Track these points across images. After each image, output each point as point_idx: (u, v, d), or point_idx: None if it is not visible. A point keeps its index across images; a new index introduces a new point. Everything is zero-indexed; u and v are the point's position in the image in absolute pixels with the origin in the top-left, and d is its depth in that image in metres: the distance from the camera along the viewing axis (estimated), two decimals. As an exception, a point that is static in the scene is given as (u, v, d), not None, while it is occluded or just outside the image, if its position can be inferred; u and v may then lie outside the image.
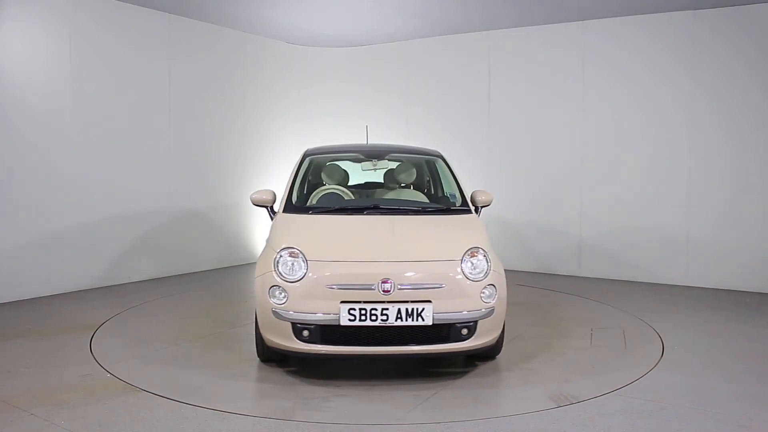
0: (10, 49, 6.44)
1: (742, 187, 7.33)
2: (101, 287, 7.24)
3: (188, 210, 8.26)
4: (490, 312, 4.24)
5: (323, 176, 5.81)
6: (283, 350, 4.26)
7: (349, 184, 6.02)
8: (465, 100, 9.02)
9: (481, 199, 5.21)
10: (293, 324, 4.12)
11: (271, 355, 4.52)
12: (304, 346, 4.14)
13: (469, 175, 8.48)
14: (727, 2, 7.15)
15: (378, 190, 5.93)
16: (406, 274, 4.13)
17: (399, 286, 4.07)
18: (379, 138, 8.67)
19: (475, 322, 4.20)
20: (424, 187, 5.98)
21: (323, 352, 4.14)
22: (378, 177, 6.16)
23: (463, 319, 4.16)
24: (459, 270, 4.23)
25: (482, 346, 4.31)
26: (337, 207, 5.04)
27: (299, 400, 3.97)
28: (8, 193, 6.45)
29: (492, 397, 4.12)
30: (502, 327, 4.46)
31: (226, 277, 8.22)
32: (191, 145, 8.29)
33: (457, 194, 5.29)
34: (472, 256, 4.31)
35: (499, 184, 8.69)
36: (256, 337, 4.56)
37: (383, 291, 4.05)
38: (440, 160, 5.72)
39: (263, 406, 3.93)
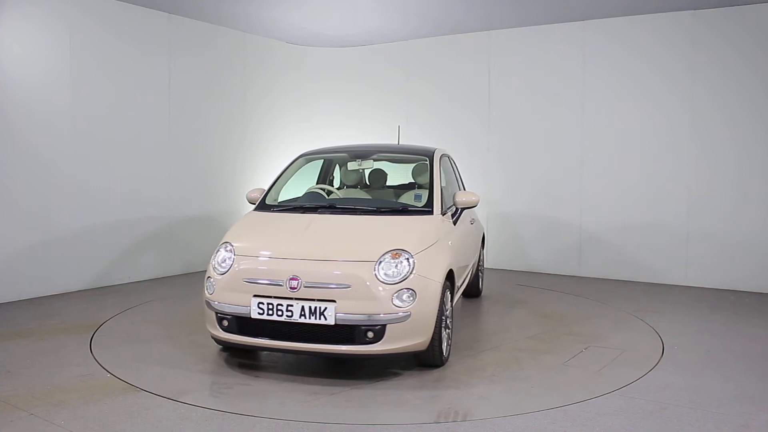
0: (10, 49, 6.44)
1: (743, 187, 7.33)
2: (101, 287, 7.25)
3: (188, 208, 8.26)
4: (404, 317, 4.11)
5: (341, 176, 6.03)
6: (213, 338, 4.56)
7: (388, 185, 6.08)
8: (465, 100, 9.02)
9: (459, 200, 5.15)
10: (216, 314, 4.41)
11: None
12: (224, 335, 4.42)
13: (469, 174, 8.48)
14: (727, 2, 7.15)
15: (360, 190, 5.93)
16: (314, 273, 4.18)
17: (305, 284, 4.14)
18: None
19: (383, 326, 4.08)
20: (413, 186, 5.94)
21: (237, 342, 4.39)
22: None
23: (367, 321, 4.08)
24: (371, 271, 4.17)
25: (394, 351, 4.17)
26: (294, 206, 5.19)
27: (203, 384, 4.18)
28: (8, 193, 6.45)
29: (381, 404, 3.90)
30: (429, 334, 4.26)
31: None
32: (191, 144, 8.29)
33: (425, 195, 5.16)
34: (393, 258, 4.23)
35: (499, 184, 8.70)
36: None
37: (290, 288, 4.16)
38: (428, 160, 5.57)
39: (162, 385, 4.13)
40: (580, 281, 7.97)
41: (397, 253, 4.25)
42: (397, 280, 4.16)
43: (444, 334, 4.54)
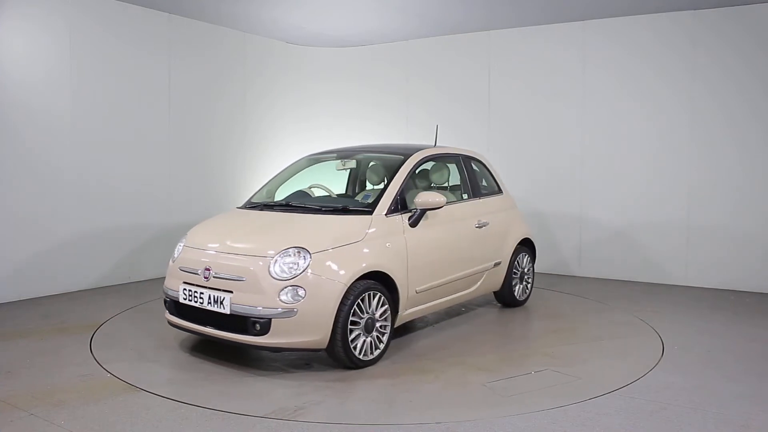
0: (10, 49, 6.44)
1: (743, 187, 7.33)
2: (101, 287, 7.25)
3: (188, 208, 8.24)
4: (290, 313, 4.22)
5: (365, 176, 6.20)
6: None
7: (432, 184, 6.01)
8: (465, 100, 9.02)
9: (417, 201, 5.06)
10: (164, 296, 4.94)
11: None
12: (168, 316, 4.95)
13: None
14: (727, 2, 7.15)
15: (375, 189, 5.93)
16: (222, 265, 4.52)
17: (214, 275, 4.50)
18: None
19: (269, 319, 4.24)
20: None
21: (173, 322, 4.88)
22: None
23: (254, 314, 4.29)
24: (265, 267, 4.36)
25: (284, 345, 4.31)
26: (262, 204, 5.44)
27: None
28: (8, 193, 6.44)
29: (242, 393, 4.06)
30: (323, 333, 4.28)
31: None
32: (191, 144, 8.29)
33: (372, 195, 5.16)
34: (295, 255, 4.37)
35: (499, 184, 8.69)
36: None
37: (204, 277, 4.55)
38: (404, 161, 5.42)
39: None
40: (580, 281, 7.97)
41: (297, 250, 4.40)
42: (288, 276, 4.30)
43: (363, 336, 4.50)
